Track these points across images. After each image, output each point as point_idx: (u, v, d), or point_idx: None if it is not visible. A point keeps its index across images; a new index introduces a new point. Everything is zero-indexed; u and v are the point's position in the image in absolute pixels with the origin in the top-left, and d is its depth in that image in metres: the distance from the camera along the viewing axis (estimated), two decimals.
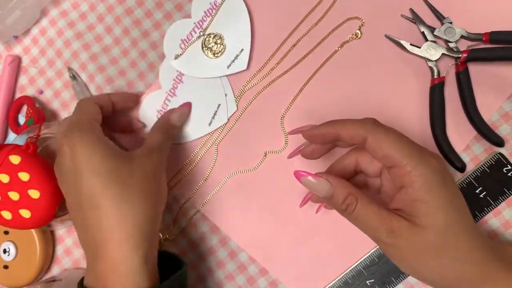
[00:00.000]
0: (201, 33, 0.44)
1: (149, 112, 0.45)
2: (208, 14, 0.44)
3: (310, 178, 0.32)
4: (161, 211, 0.37)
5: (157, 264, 0.35)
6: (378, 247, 0.41)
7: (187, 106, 0.44)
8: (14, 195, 0.40)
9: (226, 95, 0.44)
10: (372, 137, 0.31)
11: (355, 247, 0.42)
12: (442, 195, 0.30)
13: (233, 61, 0.44)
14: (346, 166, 0.35)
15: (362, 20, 0.43)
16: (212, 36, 0.44)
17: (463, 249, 0.30)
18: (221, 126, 0.44)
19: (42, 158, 0.41)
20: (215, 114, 0.44)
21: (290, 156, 0.39)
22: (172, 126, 0.42)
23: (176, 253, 0.40)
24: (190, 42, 0.44)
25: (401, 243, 0.30)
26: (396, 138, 0.31)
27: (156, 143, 0.38)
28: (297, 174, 0.33)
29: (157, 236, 0.36)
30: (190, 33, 0.44)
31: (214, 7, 0.44)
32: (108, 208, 0.33)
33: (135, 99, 0.45)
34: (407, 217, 0.30)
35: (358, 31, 0.43)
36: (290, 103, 0.44)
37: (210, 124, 0.44)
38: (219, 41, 0.43)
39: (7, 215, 0.40)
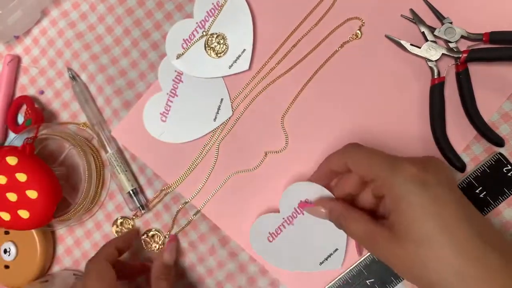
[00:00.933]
0: (204, 33, 0.44)
1: (152, 115, 0.45)
2: (211, 14, 0.44)
3: (308, 208, 0.38)
4: None
5: None
6: None
7: (173, 241, 0.44)
8: (12, 196, 0.40)
9: (227, 90, 0.44)
10: (350, 161, 0.34)
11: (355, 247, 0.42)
12: (419, 203, 0.29)
13: (235, 61, 0.44)
14: (351, 184, 0.37)
15: (362, 20, 0.43)
16: (215, 36, 0.44)
17: (447, 261, 0.28)
18: (222, 124, 0.44)
19: (39, 159, 0.41)
20: (219, 109, 0.44)
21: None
22: (169, 268, 0.42)
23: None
24: (192, 42, 0.44)
25: (384, 253, 0.31)
26: (368, 154, 0.33)
27: None
28: (301, 205, 0.40)
29: None
30: (192, 33, 0.44)
31: (217, 7, 0.44)
32: None
33: (136, 235, 0.46)
34: (389, 226, 0.31)
35: (358, 31, 0.43)
36: (291, 103, 0.44)
37: (215, 119, 0.44)
38: (222, 41, 0.44)
39: (5, 216, 0.40)
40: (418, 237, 0.29)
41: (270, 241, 0.41)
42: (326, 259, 0.41)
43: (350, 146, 0.36)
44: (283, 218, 0.41)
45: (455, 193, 0.31)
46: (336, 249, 0.41)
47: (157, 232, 0.45)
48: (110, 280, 0.37)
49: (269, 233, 0.41)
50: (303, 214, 0.40)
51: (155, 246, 0.45)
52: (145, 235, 0.46)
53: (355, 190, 0.36)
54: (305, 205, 0.39)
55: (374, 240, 0.31)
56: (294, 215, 0.40)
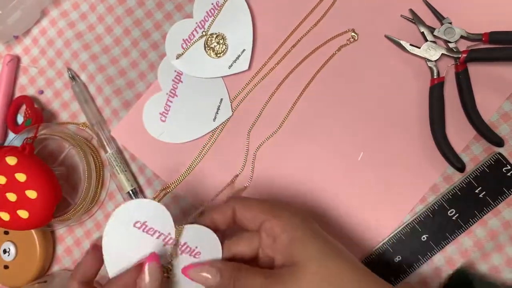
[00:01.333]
0: (204, 33, 0.44)
1: (152, 115, 0.45)
2: (210, 14, 0.44)
3: (197, 269, 0.32)
4: None
5: None
6: (377, 246, 0.41)
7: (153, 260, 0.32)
8: (11, 196, 0.40)
9: (227, 90, 0.44)
10: (237, 210, 0.34)
11: (356, 247, 0.42)
12: (297, 235, 0.32)
13: (234, 61, 0.44)
14: (226, 216, 0.35)
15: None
16: (214, 36, 0.44)
17: None
18: (222, 124, 0.44)
19: (38, 159, 0.41)
20: (218, 109, 0.44)
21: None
22: None
23: None
24: (192, 41, 0.44)
25: None
26: (254, 200, 0.35)
27: None
28: (184, 271, 0.33)
29: None
30: (192, 33, 0.44)
31: (216, 7, 0.44)
32: None
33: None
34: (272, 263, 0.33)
35: (354, 34, 0.43)
36: (292, 105, 0.44)
37: (214, 119, 0.44)
38: (221, 41, 0.44)
39: (5, 216, 0.40)
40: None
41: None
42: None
43: (231, 200, 0.35)
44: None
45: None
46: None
47: None
48: None
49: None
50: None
51: None
52: None
53: (246, 225, 0.34)
54: (188, 268, 0.33)
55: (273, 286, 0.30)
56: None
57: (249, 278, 0.31)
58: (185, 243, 0.33)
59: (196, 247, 0.33)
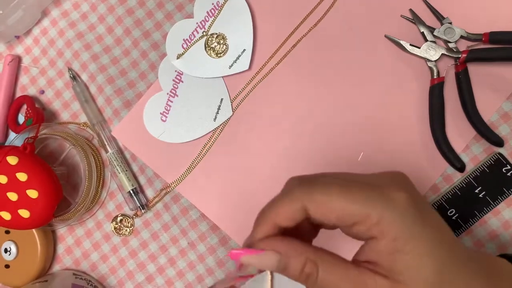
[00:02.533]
0: (204, 33, 0.44)
1: (152, 115, 0.45)
2: (211, 14, 0.44)
3: (250, 256, 0.24)
4: None
5: None
6: None
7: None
8: (12, 196, 0.40)
9: (227, 90, 0.44)
10: (313, 205, 0.24)
11: (355, 245, 0.42)
12: (423, 236, 0.23)
13: (235, 61, 0.44)
14: (295, 216, 0.25)
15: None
16: (215, 36, 0.44)
17: None
18: (222, 124, 0.45)
19: (40, 159, 0.41)
20: (219, 108, 0.44)
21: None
22: None
23: None
24: (192, 42, 0.44)
25: None
26: (341, 189, 0.24)
27: None
28: (234, 256, 0.24)
29: None
30: (193, 33, 0.44)
31: (217, 7, 0.44)
32: None
33: None
34: (386, 273, 0.23)
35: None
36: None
37: (215, 119, 0.44)
38: (222, 41, 0.44)
39: (6, 215, 0.40)
40: (430, 277, 0.23)
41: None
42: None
43: (298, 185, 0.25)
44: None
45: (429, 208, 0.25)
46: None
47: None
48: None
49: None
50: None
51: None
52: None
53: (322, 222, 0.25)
54: (240, 253, 0.24)
55: None
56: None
57: (332, 279, 0.24)
58: None
59: None
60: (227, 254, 0.26)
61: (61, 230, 0.48)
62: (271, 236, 0.25)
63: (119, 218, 0.46)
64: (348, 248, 0.27)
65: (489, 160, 0.40)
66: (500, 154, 0.40)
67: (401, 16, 0.42)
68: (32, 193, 0.40)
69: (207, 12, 0.44)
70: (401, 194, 0.24)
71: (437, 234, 0.24)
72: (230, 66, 0.44)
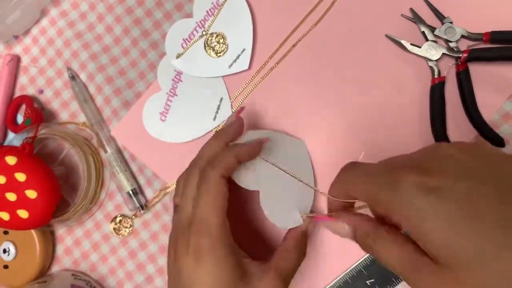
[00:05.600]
0: (204, 32, 0.44)
1: (151, 115, 0.45)
2: (210, 14, 0.44)
3: (329, 223, 0.32)
4: None
5: None
6: None
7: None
8: (11, 196, 0.40)
9: (227, 90, 0.44)
10: (350, 187, 0.30)
11: (356, 246, 0.42)
12: (441, 220, 0.23)
13: (234, 60, 0.44)
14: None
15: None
16: (214, 35, 0.44)
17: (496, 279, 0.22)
18: (222, 124, 0.44)
19: (38, 159, 0.41)
20: (218, 108, 0.44)
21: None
22: (306, 239, 0.36)
23: None
24: (192, 41, 0.44)
25: (423, 284, 0.24)
26: (363, 176, 0.28)
27: (290, 269, 0.34)
28: (318, 219, 0.35)
29: None
30: (192, 32, 0.44)
31: (216, 6, 0.44)
32: None
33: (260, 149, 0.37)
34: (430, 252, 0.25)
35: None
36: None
37: (215, 119, 0.44)
38: (221, 41, 0.43)
39: (5, 216, 0.40)
40: (464, 260, 0.22)
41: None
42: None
43: (344, 169, 0.30)
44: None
45: (481, 179, 0.24)
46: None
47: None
48: (225, 205, 0.32)
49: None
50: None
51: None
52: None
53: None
54: (322, 218, 0.34)
55: (417, 273, 0.24)
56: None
57: (387, 244, 0.27)
58: None
59: None
60: (314, 219, 0.36)
61: (60, 231, 0.48)
62: (349, 209, 0.33)
63: (118, 219, 0.46)
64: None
65: None
66: None
67: (402, 15, 0.42)
68: (31, 194, 0.40)
69: (207, 11, 0.44)
70: (410, 175, 0.24)
71: (464, 212, 0.23)
72: (230, 66, 0.44)
